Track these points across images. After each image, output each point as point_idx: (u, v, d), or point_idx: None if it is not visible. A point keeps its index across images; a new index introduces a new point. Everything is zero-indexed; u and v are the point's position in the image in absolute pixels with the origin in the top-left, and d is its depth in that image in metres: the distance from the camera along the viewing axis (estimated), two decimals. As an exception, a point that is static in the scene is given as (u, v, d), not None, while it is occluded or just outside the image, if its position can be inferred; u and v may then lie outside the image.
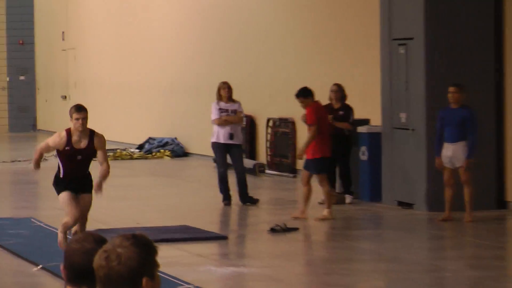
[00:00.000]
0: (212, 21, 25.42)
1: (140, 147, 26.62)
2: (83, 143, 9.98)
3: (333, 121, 16.29)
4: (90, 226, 10.93)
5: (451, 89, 14.39)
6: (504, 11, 15.65)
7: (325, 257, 13.58)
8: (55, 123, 32.29)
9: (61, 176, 10.21)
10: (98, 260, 2.38)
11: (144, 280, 2.36)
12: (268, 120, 16.37)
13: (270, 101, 17.23)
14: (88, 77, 32.67)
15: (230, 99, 16.75)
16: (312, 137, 15.14)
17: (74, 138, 9.93)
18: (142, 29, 29.56)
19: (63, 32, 33.95)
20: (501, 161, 15.83)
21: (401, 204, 16.01)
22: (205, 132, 16.68)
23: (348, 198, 16.66)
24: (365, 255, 13.74)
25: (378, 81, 16.92)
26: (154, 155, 25.76)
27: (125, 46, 30.56)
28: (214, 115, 16.70)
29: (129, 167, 23.99)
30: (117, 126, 29.93)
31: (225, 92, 16.65)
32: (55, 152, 10.54)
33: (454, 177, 14.30)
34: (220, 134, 16.60)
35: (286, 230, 13.77)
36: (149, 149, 26.11)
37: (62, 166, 10.15)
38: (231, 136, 16.57)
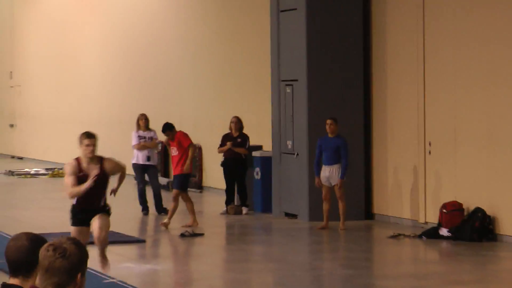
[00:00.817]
0: (132, 64, 24.99)
1: (73, 167, 25.84)
2: (94, 169, 8.29)
3: (232, 147, 16.40)
4: (33, 230, 9.74)
5: (328, 121, 14.40)
6: (371, 57, 15.79)
7: (225, 257, 13.86)
8: (2, 147, 32.64)
9: (75, 204, 8.56)
10: (44, 251, 2.44)
11: (78, 275, 2.46)
12: (192, 142, 16.08)
13: (182, 130, 16.78)
14: (31, 109, 31.88)
15: (147, 127, 16.88)
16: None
17: (84, 165, 8.33)
18: (75, 70, 28.97)
19: (11, 72, 33.12)
20: (368, 180, 15.99)
21: (288, 215, 16.04)
22: (127, 156, 16.44)
23: (244, 210, 16.59)
24: (258, 256, 13.75)
25: (269, 115, 16.87)
26: (84, 173, 25.14)
27: (61, 83, 29.85)
28: (134, 141, 16.78)
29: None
30: (55, 149, 29.05)
31: (142, 122, 16.76)
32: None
33: (330, 193, 14.40)
34: (139, 157, 16.76)
35: (193, 235, 13.88)
36: (80, 169, 25.47)
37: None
38: (148, 159, 16.81)
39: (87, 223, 8.56)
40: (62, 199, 18.74)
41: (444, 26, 14.18)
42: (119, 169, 9.07)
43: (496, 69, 13.22)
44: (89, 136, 8.69)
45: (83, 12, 28.52)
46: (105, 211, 8.76)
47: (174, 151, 15.10)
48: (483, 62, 13.37)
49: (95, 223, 8.57)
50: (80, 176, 8.27)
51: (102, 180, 8.38)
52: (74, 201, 8.48)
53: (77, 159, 8.49)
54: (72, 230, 8.55)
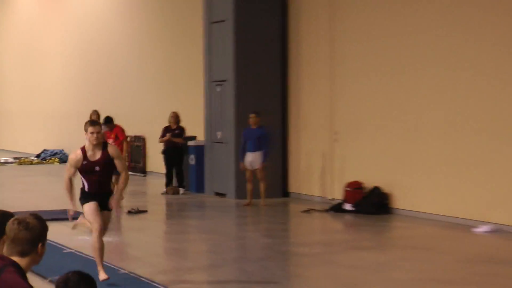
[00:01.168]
0: (87, 64, 25.48)
1: (38, 155, 26.58)
2: (98, 155, 7.62)
3: (171, 137, 16.75)
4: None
5: (251, 115, 14.90)
6: (288, 60, 16.50)
7: (165, 230, 14.13)
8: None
9: (86, 190, 7.87)
10: (11, 224, 2.67)
11: (39, 245, 2.71)
12: (127, 137, 16.33)
13: (128, 122, 17.20)
14: (1, 105, 32.31)
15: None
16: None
17: (89, 152, 7.64)
18: (40, 70, 29.29)
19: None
20: (285, 164, 16.62)
21: (218, 194, 16.47)
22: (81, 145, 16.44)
23: (181, 190, 16.97)
24: (193, 228, 14.01)
25: (202, 110, 17.49)
26: (48, 161, 25.89)
27: (28, 82, 30.18)
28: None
29: (30, 169, 24.00)
30: (21, 140, 29.84)
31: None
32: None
33: (253, 175, 14.89)
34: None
35: (138, 212, 14.10)
36: (44, 157, 26.23)
37: (85, 181, 7.80)
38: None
39: (100, 201, 7.85)
40: (28, 183, 19.38)
41: (349, 29, 14.99)
42: (121, 158, 8.32)
43: (392, 67, 14.08)
44: (93, 123, 7.94)
45: (47, 17, 28.73)
46: (111, 194, 8.11)
47: (110, 142, 15.08)
48: (382, 61, 14.21)
49: (106, 213, 8.11)
50: (84, 165, 7.66)
51: (107, 165, 7.79)
52: (86, 187, 7.86)
53: (82, 148, 7.76)
54: (86, 206, 7.80)
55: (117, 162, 7.84)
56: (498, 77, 12.15)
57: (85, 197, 7.84)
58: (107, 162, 7.72)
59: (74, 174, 7.83)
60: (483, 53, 12.35)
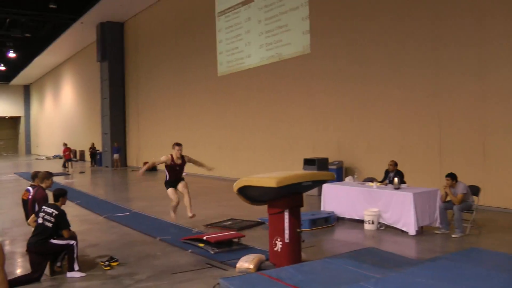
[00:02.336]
0: None
1: None
2: (179, 161, 11.70)
3: None
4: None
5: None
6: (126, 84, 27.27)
7: None
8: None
9: (167, 179, 11.74)
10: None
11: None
12: None
13: None
14: None
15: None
16: None
17: (175, 158, 11.65)
18: None
19: None
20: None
21: None
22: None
23: None
24: None
25: None
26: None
27: None
28: None
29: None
30: None
31: None
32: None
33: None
34: None
35: None
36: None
37: (168, 174, 11.72)
38: None
39: (175, 186, 11.74)
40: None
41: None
42: (192, 160, 12.08)
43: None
44: (178, 144, 11.74)
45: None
46: (183, 179, 11.90)
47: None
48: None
49: (181, 186, 11.76)
50: (172, 165, 11.64)
51: (182, 167, 11.80)
52: (167, 178, 11.76)
53: (171, 155, 11.67)
54: (168, 190, 11.75)
55: (193, 160, 12.03)
56: None
57: (167, 184, 11.78)
58: (183, 165, 11.81)
59: (157, 164, 11.94)
60: None
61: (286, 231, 7.77)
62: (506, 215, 12.75)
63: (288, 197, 7.78)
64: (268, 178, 7.53)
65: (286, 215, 7.76)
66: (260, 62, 21.32)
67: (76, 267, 8.00)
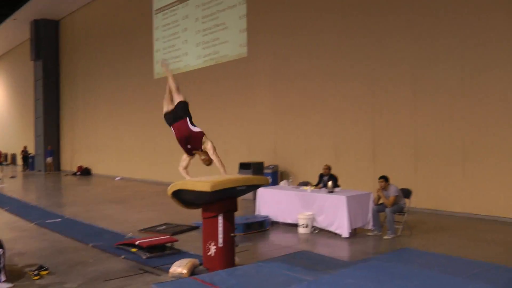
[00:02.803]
0: None
1: None
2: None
3: None
4: None
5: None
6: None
7: None
8: None
9: None
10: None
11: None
12: None
13: None
14: None
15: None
16: None
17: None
18: None
19: None
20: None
21: None
22: None
23: None
24: None
25: None
26: None
27: None
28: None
29: None
30: None
31: None
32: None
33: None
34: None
35: None
36: None
37: None
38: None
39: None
40: None
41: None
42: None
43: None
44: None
45: None
46: None
47: None
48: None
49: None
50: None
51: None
52: None
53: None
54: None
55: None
56: None
57: None
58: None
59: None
60: None
61: (220, 236, 7.73)
62: (436, 217, 13.08)
63: (222, 202, 7.74)
64: (202, 182, 7.48)
65: (220, 220, 7.72)
66: (198, 62, 21.24)
67: (2, 277, 7.70)
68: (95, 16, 29.63)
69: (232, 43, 19.58)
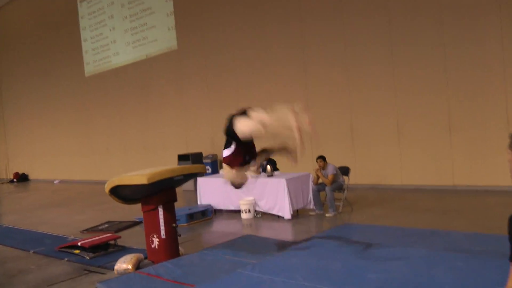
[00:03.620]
0: None
1: None
2: None
3: None
4: None
5: None
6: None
7: None
8: None
9: None
10: None
11: None
12: None
13: None
14: None
15: None
16: None
17: None
18: None
19: None
20: None
21: None
22: None
23: None
24: None
25: None
26: None
27: None
28: None
29: None
30: None
31: None
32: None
33: None
34: None
35: None
36: None
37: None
38: None
39: None
40: None
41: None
42: None
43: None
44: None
45: None
46: None
47: None
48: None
49: None
50: None
51: None
52: None
53: None
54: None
55: None
56: None
57: None
58: None
59: None
60: None
61: (162, 227, 7.71)
62: (375, 191, 13.37)
63: (160, 193, 7.72)
64: (139, 176, 7.43)
65: (160, 211, 7.70)
66: (128, 56, 20.98)
67: None
68: (20, 12, 28.60)
69: (161, 41, 19.43)
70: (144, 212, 7.89)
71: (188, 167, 8.07)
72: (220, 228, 10.81)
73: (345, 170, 11.58)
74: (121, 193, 7.98)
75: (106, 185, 7.96)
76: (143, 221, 8.14)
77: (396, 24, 13.29)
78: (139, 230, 10.96)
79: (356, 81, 14.10)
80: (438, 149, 12.86)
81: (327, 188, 10.87)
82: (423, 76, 12.95)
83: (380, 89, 13.72)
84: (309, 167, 13.20)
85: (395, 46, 13.35)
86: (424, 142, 13.07)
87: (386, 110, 13.65)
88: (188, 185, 16.41)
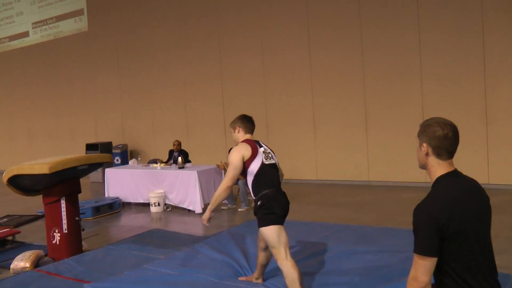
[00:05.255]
0: None
1: None
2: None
3: None
4: None
5: None
6: None
7: None
8: None
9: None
10: None
11: None
12: None
13: None
14: None
15: None
16: None
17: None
18: None
19: None
20: None
21: None
22: None
23: None
24: None
25: None
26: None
27: None
28: None
29: None
30: None
31: None
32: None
33: None
34: None
35: None
36: None
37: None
38: None
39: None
40: None
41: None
42: None
43: None
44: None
45: None
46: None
47: None
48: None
49: None
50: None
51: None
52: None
53: (251, 142, 5.64)
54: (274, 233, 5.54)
55: None
56: None
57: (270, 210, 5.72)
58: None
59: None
60: None
61: (64, 221, 7.46)
62: (291, 186, 13.49)
63: (63, 184, 7.46)
64: (40, 164, 7.14)
65: (63, 203, 7.45)
66: (34, 36, 20.30)
67: None
68: None
69: (70, 22, 18.91)
70: (45, 204, 7.61)
71: (93, 156, 7.84)
72: (128, 222, 10.60)
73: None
74: (21, 183, 7.65)
75: (4, 174, 7.62)
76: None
77: (313, 10, 13.44)
78: (42, 224, 10.57)
79: (272, 68, 14.18)
80: (354, 144, 13.12)
81: (239, 182, 10.85)
82: (341, 70, 13.16)
83: (297, 80, 13.85)
84: (223, 159, 13.19)
85: (312, 30, 13.52)
86: (340, 137, 13.29)
87: (302, 102, 13.79)
88: (96, 176, 16.06)
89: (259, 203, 5.06)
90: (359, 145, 13.08)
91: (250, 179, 5.13)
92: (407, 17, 12.21)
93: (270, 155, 5.28)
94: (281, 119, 14.17)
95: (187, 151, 12.77)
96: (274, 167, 5.25)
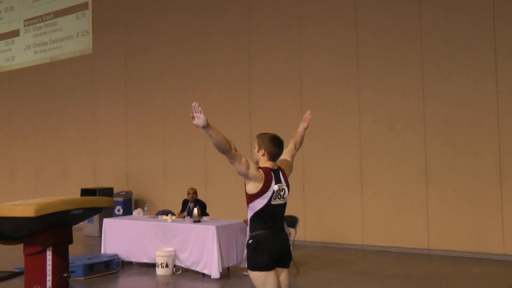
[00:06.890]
0: None
1: None
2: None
3: None
4: None
5: None
6: None
7: None
8: None
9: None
10: None
11: None
12: None
13: None
14: None
15: None
16: None
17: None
18: None
19: None
20: None
21: None
22: None
23: None
24: None
25: None
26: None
27: None
28: None
29: None
30: None
31: None
32: None
33: None
34: None
35: None
36: None
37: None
38: None
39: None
40: None
41: None
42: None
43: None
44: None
45: None
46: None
47: None
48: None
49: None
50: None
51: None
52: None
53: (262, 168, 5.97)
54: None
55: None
56: None
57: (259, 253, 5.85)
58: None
59: None
60: None
61: (48, 277, 7.28)
62: (329, 250, 13.22)
63: (51, 231, 7.29)
64: (24, 206, 7.00)
65: (49, 255, 7.27)
66: (29, 56, 20.58)
67: None
68: None
69: (73, 43, 19.16)
70: (26, 255, 7.44)
71: (91, 199, 7.72)
72: (127, 285, 10.44)
73: (292, 221, 11.38)
74: (-1, 228, 7.51)
75: (-22, 217, 7.47)
76: (23, 272, 7.64)
77: (362, 40, 13.38)
78: (19, 283, 10.40)
79: (311, 102, 14.05)
80: (410, 202, 12.84)
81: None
82: (399, 115, 13.00)
83: (342, 133, 13.71)
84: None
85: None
86: (392, 192, 13.04)
87: (349, 157, 13.62)
88: (91, 228, 15.98)
89: (249, 241, 5.15)
90: (416, 204, 12.81)
91: (249, 214, 5.23)
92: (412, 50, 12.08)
93: (282, 193, 5.27)
94: (319, 165, 13.98)
95: (205, 202, 12.60)
96: (280, 207, 5.30)
